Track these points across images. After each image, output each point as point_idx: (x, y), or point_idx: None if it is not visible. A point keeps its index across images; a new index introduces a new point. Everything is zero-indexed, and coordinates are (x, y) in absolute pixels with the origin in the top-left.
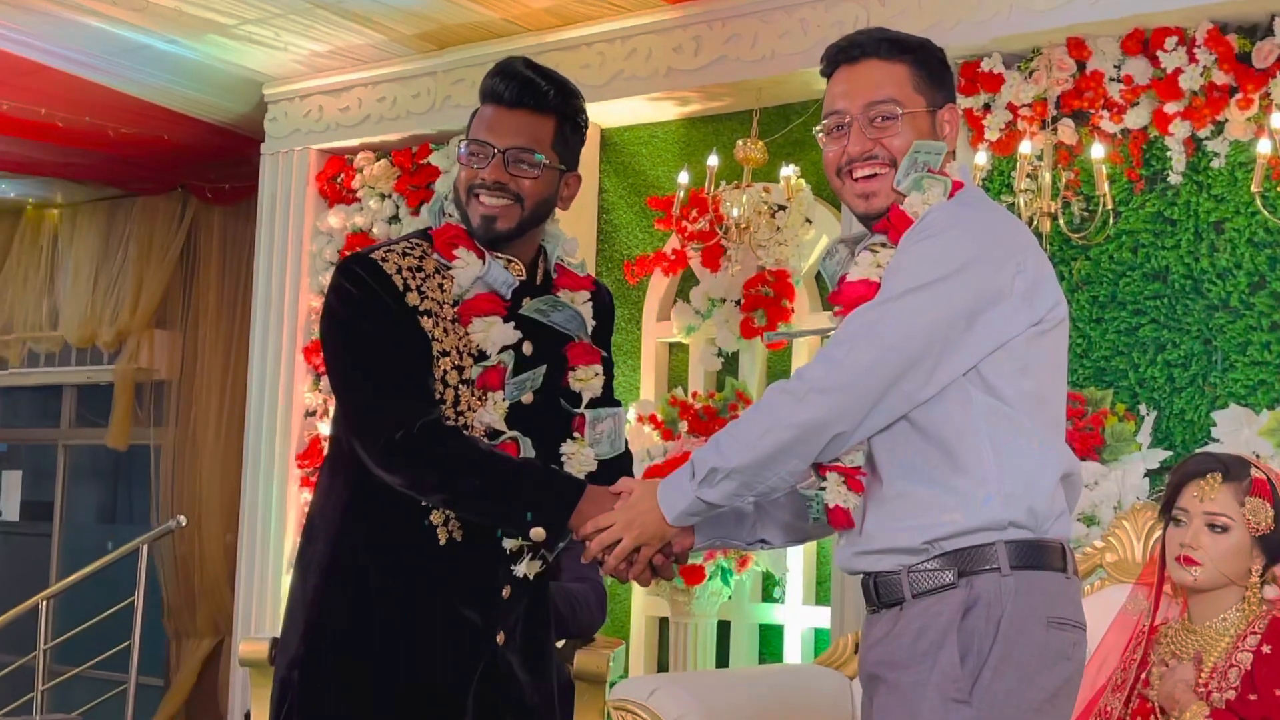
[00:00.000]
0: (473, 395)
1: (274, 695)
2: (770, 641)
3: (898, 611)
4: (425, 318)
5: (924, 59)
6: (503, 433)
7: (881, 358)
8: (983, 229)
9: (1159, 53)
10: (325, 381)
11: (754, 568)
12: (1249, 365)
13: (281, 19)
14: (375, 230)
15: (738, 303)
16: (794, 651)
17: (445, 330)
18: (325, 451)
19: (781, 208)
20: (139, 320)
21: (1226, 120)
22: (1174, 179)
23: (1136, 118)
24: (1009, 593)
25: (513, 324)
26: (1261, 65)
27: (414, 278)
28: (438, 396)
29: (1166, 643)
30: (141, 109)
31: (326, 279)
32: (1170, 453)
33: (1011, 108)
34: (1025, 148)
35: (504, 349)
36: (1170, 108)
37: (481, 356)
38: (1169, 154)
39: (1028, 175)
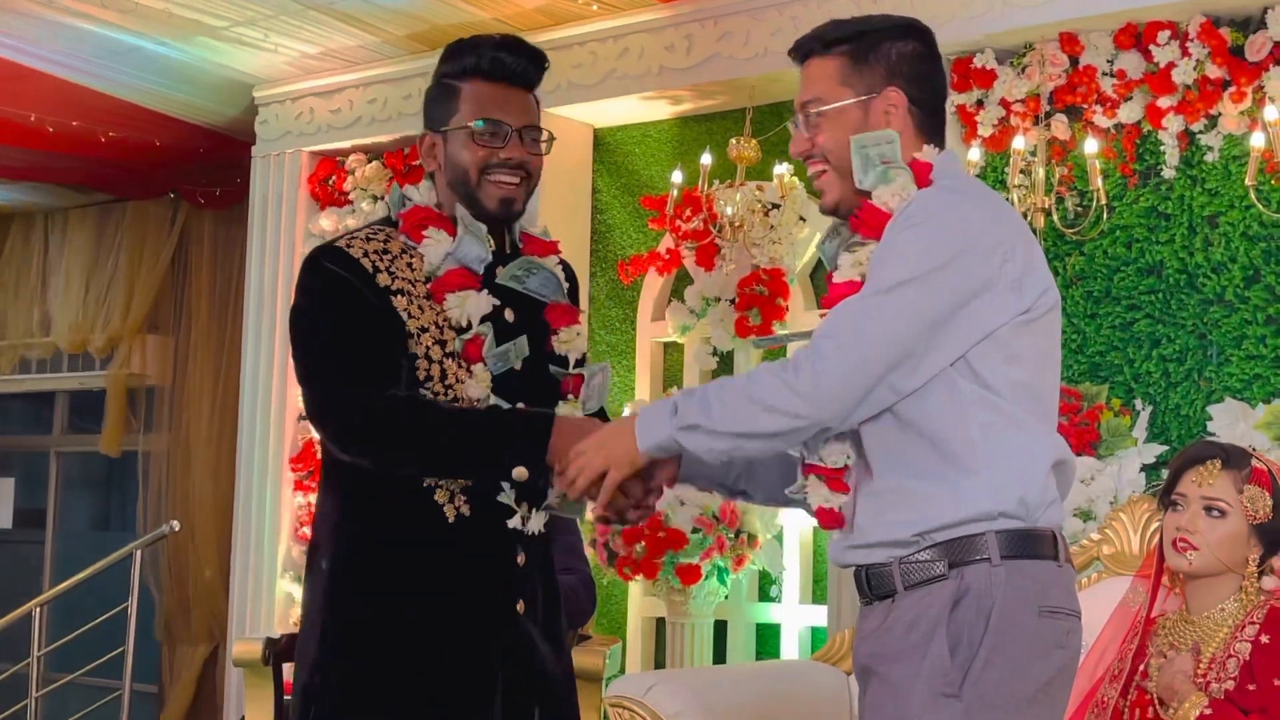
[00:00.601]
0: (460, 368)
1: (297, 706)
2: (767, 641)
3: (890, 604)
4: (398, 296)
5: (860, 47)
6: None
7: (871, 354)
8: (969, 217)
9: (1151, 47)
10: None
11: (750, 567)
12: (1244, 359)
13: (272, 20)
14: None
15: (732, 302)
16: (791, 650)
17: (420, 307)
18: (321, 453)
19: (775, 206)
20: (131, 326)
21: (1220, 114)
22: (1168, 173)
23: (1130, 112)
24: (999, 582)
25: (487, 293)
26: (1254, 58)
27: (381, 260)
28: (423, 373)
29: (1164, 633)
30: (131, 113)
31: None
32: (1166, 447)
33: (1004, 103)
34: (1018, 143)
35: (484, 320)
36: (1163, 102)
37: (465, 330)
38: (1162, 148)
39: (1021, 171)
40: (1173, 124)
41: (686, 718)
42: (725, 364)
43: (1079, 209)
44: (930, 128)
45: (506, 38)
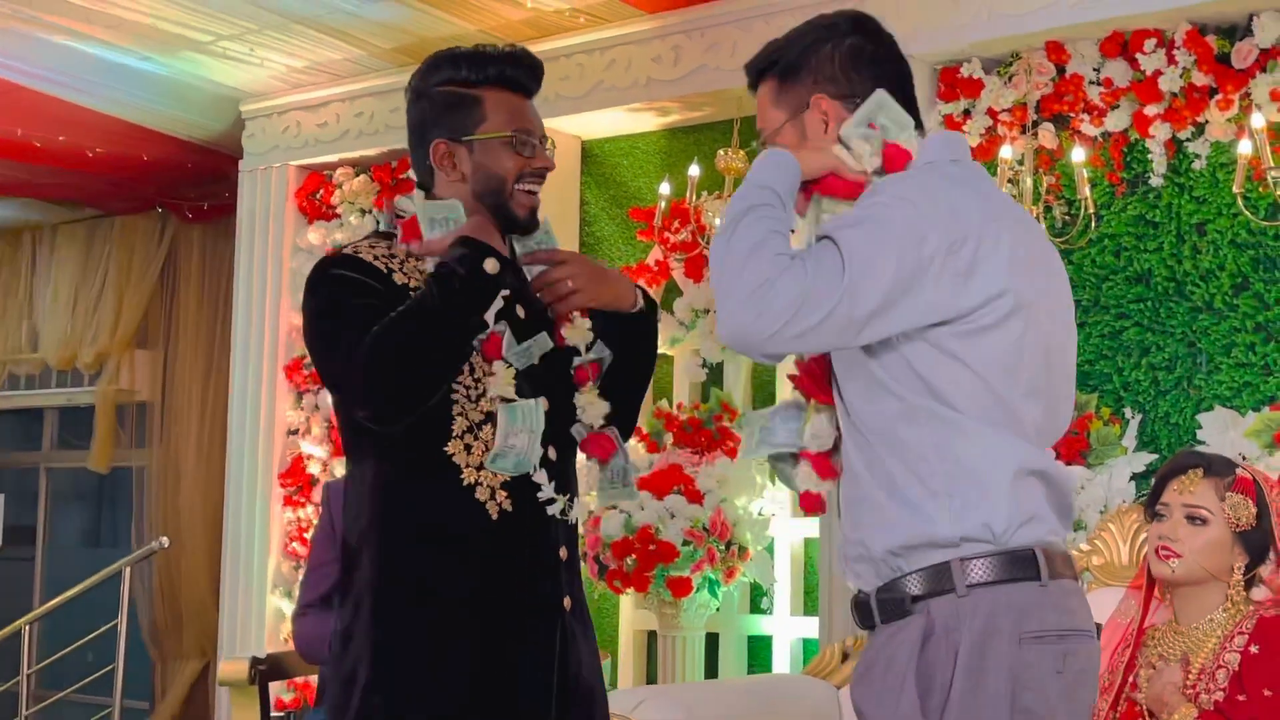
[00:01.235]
0: (485, 363)
1: None
2: (759, 653)
3: (872, 637)
4: (416, 294)
5: (782, 66)
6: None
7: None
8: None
9: (1138, 55)
10: (307, 399)
11: (741, 579)
12: (1234, 367)
13: (257, 35)
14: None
15: None
16: (783, 662)
17: None
18: (347, 474)
19: None
20: (119, 341)
21: (1207, 121)
22: (1155, 181)
23: (1117, 120)
24: (967, 614)
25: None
26: (1241, 65)
27: (392, 261)
28: None
29: (1154, 644)
30: (118, 128)
31: None
32: (1156, 456)
33: (991, 113)
34: (1006, 152)
35: (499, 318)
36: (1150, 110)
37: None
38: (1150, 156)
39: (1009, 180)
40: (1160, 132)
41: None
42: (715, 375)
43: (1067, 218)
44: None
45: (515, 49)
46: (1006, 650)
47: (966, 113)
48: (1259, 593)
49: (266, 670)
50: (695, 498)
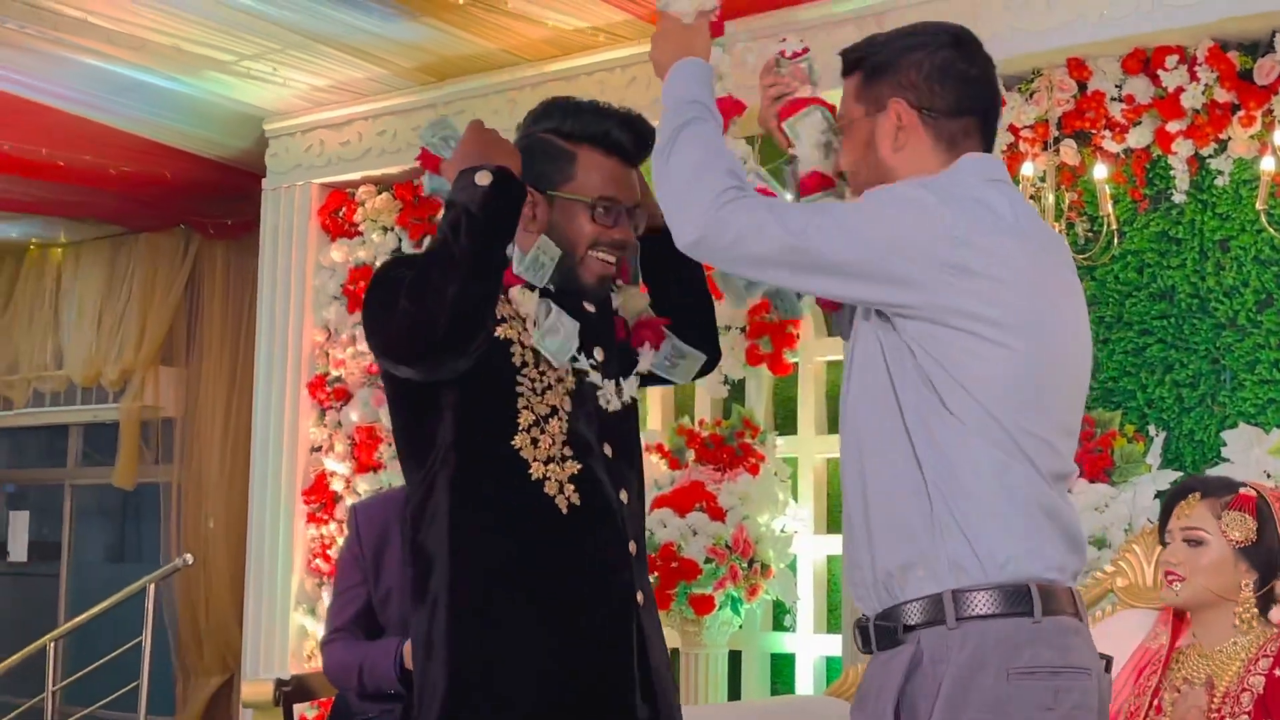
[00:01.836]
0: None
1: None
2: (782, 671)
3: (870, 661)
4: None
5: (872, 63)
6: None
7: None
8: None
9: (1160, 72)
10: (330, 416)
11: (764, 596)
12: (1258, 384)
13: (280, 54)
14: (378, 264)
15: (743, 330)
16: (806, 681)
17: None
18: (410, 482)
19: None
20: (144, 358)
21: (1229, 138)
22: (1178, 198)
23: (1139, 137)
24: (954, 647)
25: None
26: (1263, 82)
27: None
28: (518, 359)
29: (1179, 668)
30: (142, 146)
31: (330, 314)
32: (1180, 473)
33: (1013, 129)
34: (1028, 169)
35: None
36: (1172, 126)
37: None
38: (1172, 173)
39: (1031, 197)
40: (1182, 148)
41: None
42: (737, 392)
43: (1089, 234)
44: (955, 137)
45: (628, 114)
46: (991, 685)
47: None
48: (1276, 613)
49: (291, 692)
50: (717, 515)
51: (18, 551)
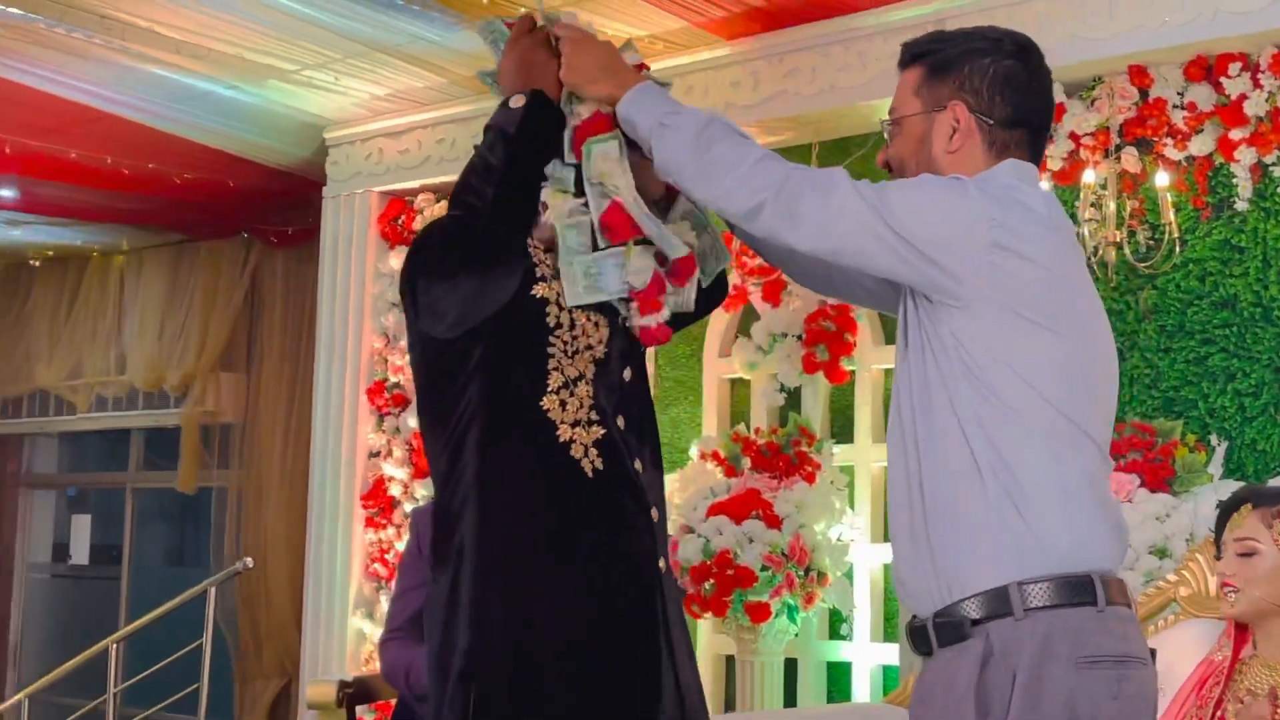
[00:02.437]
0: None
1: (444, 694)
2: (838, 679)
3: (928, 661)
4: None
5: (936, 61)
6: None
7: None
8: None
9: (1222, 79)
10: (388, 422)
11: (821, 604)
12: None
13: (341, 63)
14: None
15: (799, 338)
16: (863, 689)
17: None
18: (434, 441)
19: None
20: (204, 364)
21: None
22: (1240, 205)
23: (1201, 145)
24: (1025, 637)
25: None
26: None
27: None
28: (552, 320)
29: (1241, 679)
30: (205, 155)
31: (389, 320)
32: (1242, 483)
33: (1074, 137)
34: (1089, 177)
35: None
36: (1235, 134)
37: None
38: (1235, 180)
39: (1091, 204)
40: (1245, 156)
41: None
42: (793, 400)
43: (1151, 242)
44: (1007, 146)
45: None
46: (1063, 674)
47: (1049, 136)
48: None
49: (354, 693)
50: (774, 522)
51: (79, 554)
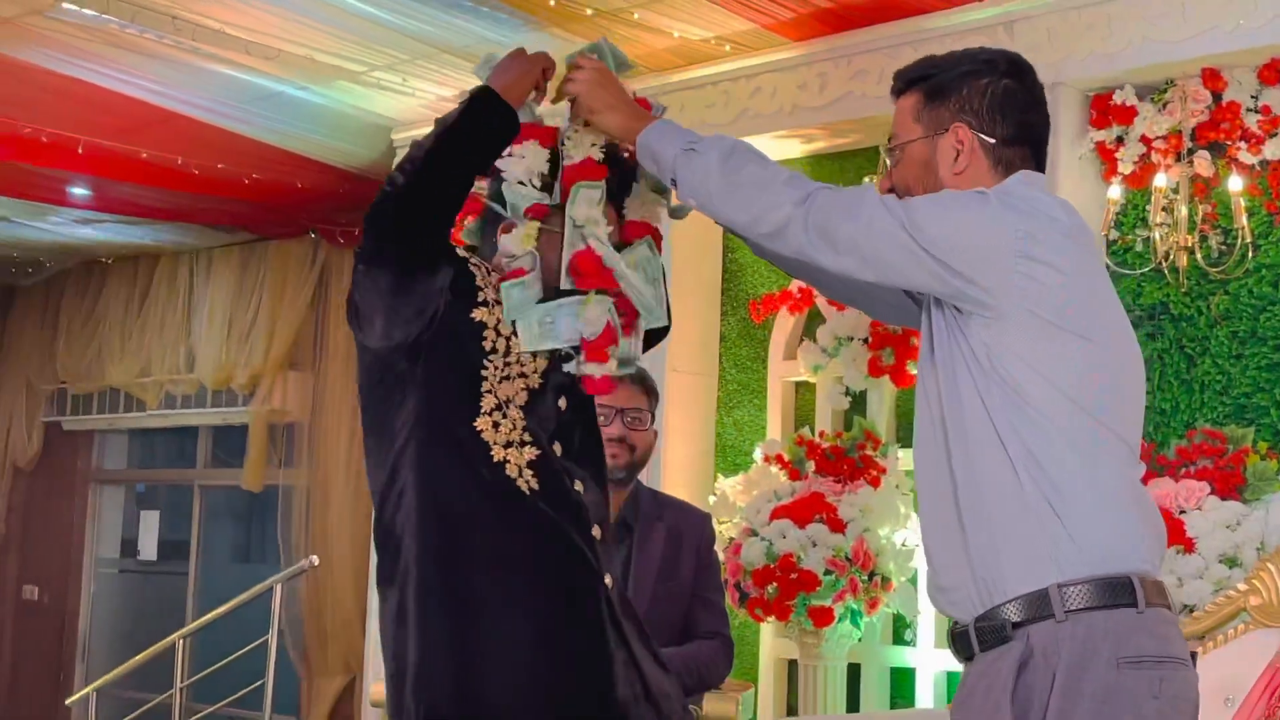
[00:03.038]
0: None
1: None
2: (902, 685)
3: (969, 666)
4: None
5: (933, 85)
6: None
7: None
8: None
9: None
10: None
11: (885, 609)
12: None
13: (409, 65)
14: None
15: (865, 341)
16: (926, 695)
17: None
18: (371, 455)
19: None
20: (272, 363)
21: None
22: None
23: (1275, 148)
24: (1065, 639)
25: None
26: None
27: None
28: (489, 344)
29: None
30: (274, 155)
31: None
32: None
33: (1145, 140)
34: (1160, 181)
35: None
36: None
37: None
38: None
39: (1163, 209)
40: None
41: None
42: (858, 404)
43: (1223, 247)
44: (1012, 162)
45: None
46: (1103, 674)
47: (1119, 140)
48: None
49: None
50: (837, 527)
51: (148, 550)
